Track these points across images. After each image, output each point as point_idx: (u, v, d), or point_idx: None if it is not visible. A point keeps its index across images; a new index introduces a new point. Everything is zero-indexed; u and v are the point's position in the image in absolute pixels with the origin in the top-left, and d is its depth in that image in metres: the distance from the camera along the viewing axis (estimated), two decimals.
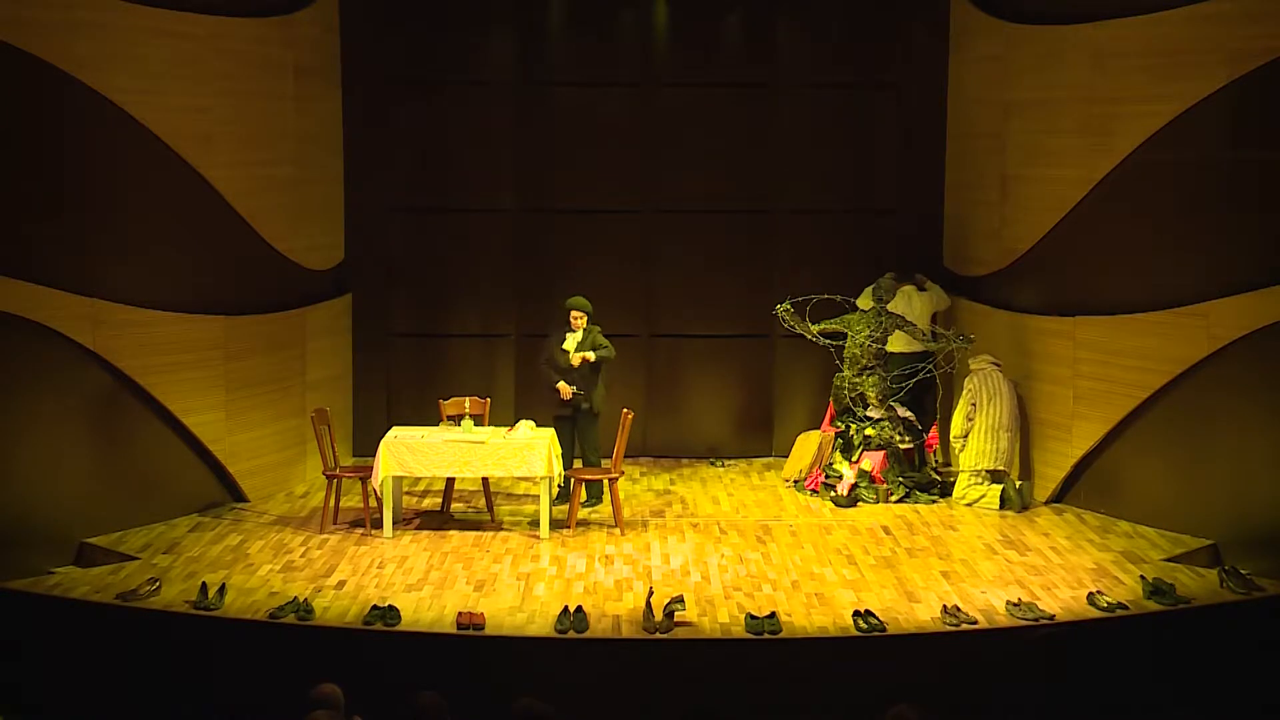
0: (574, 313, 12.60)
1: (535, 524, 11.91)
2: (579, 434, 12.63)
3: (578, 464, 12.61)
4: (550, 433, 12.04)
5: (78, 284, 11.09)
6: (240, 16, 12.40)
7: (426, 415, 12.77)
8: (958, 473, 12.94)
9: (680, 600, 9.85)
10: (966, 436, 12.76)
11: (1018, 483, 12.57)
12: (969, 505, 12.65)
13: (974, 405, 12.70)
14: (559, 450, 11.98)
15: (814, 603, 10.19)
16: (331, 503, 12.01)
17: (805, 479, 13.34)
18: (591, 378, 12.57)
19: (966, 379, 12.90)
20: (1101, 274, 12.15)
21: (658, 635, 9.55)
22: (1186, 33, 11.32)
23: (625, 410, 12.27)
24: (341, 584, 10.56)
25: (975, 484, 12.68)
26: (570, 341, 12.57)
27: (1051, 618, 9.81)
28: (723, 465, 14.33)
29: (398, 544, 11.56)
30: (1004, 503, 12.49)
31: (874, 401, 13.16)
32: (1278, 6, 10.80)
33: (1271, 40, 10.80)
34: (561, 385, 12.44)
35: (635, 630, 9.65)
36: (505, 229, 14.42)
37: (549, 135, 14.34)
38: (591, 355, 12.53)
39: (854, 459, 13.02)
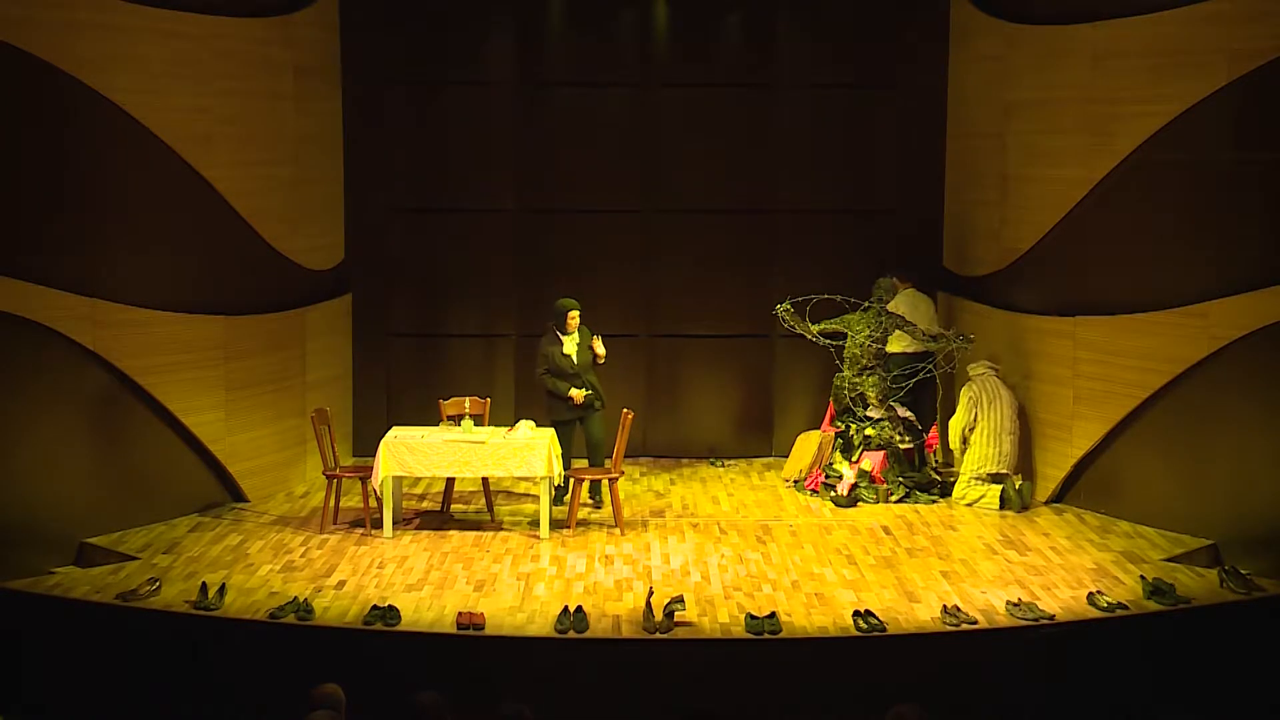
0: (572, 313, 12.49)
1: (535, 524, 11.91)
2: (590, 432, 12.53)
3: (579, 463, 12.59)
4: (550, 433, 12.03)
5: (78, 284, 11.09)
6: (240, 16, 12.40)
7: (426, 415, 12.77)
8: (958, 474, 12.94)
9: (680, 600, 9.85)
10: (967, 442, 12.74)
11: (1018, 483, 12.57)
12: (968, 505, 12.65)
13: (975, 411, 12.66)
14: (559, 450, 11.97)
15: (814, 603, 10.19)
16: (331, 503, 12.01)
17: (805, 479, 13.34)
18: (594, 375, 12.57)
19: (965, 386, 12.89)
20: (1101, 274, 12.15)
21: (658, 635, 9.55)
22: (1186, 33, 11.32)
23: (625, 410, 12.26)
24: (341, 584, 10.56)
25: (975, 484, 12.68)
26: (570, 344, 12.49)
27: (1051, 618, 9.80)
28: (723, 465, 14.33)
29: (398, 544, 11.56)
30: (1004, 503, 12.49)
31: (874, 401, 13.16)
32: (1278, 6, 10.80)
33: (1271, 40, 10.80)
34: (574, 392, 12.31)
35: (635, 630, 9.65)
36: (505, 229, 14.42)
37: (549, 135, 14.34)
38: (601, 347, 12.48)
39: (854, 459, 13.02)
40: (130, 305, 11.49)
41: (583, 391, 12.36)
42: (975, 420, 12.67)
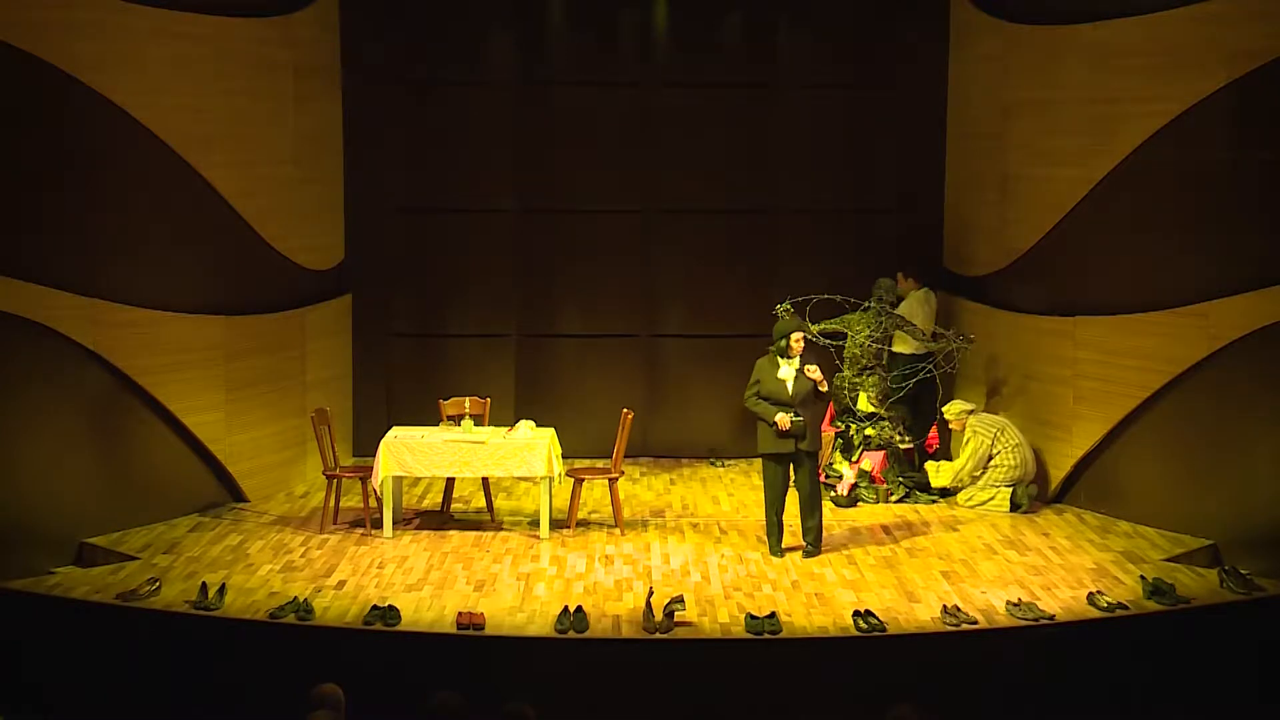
0: (795, 335, 11.12)
1: (535, 524, 11.91)
2: (799, 481, 11.24)
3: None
4: (550, 432, 12.00)
5: (78, 284, 11.09)
6: (240, 16, 12.40)
7: (426, 415, 12.77)
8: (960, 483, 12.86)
9: (680, 600, 9.85)
10: (979, 478, 12.63)
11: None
12: (975, 507, 12.55)
13: (992, 444, 12.53)
14: (559, 450, 11.92)
15: (814, 603, 10.19)
16: (331, 503, 12.01)
17: None
18: (812, 410, 11.23)
19: (969, 437, 12.60)
20: (1101, 274, 12.15)
21: (658, 635, 9.55)
22: (1186, 33, 11.32)
23: (625, 410, 12.26)
24: (341, 584, 10.56)
25: (988, 486, 12.58)
26: (788, 370, 11.16)
27: (1051, 618, 9.80)
28: (723, 465, 14.33)
29: (398, 544, 11.56)
30: (1013, 505, 12.43)
31: (874, 402, 13.13)
32: (1277, 6, 10.81)
33: (1271, 40, 10.80)
34: (780, 416, 11.01)
35: (635, 630, 9.65)
36: (505, 229, 14.41)
37: (549, 135, 14.34)
38: (819, 374, 11.15)
39: (854, 459, 13.02)
40: (130, 305, 11.49)
41: (790, 415, 11.05)
42: (994, 453, 12.54)
